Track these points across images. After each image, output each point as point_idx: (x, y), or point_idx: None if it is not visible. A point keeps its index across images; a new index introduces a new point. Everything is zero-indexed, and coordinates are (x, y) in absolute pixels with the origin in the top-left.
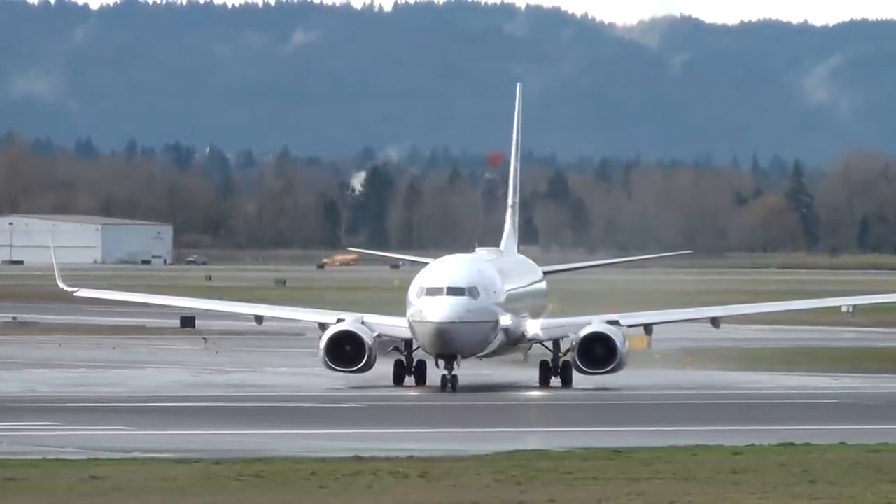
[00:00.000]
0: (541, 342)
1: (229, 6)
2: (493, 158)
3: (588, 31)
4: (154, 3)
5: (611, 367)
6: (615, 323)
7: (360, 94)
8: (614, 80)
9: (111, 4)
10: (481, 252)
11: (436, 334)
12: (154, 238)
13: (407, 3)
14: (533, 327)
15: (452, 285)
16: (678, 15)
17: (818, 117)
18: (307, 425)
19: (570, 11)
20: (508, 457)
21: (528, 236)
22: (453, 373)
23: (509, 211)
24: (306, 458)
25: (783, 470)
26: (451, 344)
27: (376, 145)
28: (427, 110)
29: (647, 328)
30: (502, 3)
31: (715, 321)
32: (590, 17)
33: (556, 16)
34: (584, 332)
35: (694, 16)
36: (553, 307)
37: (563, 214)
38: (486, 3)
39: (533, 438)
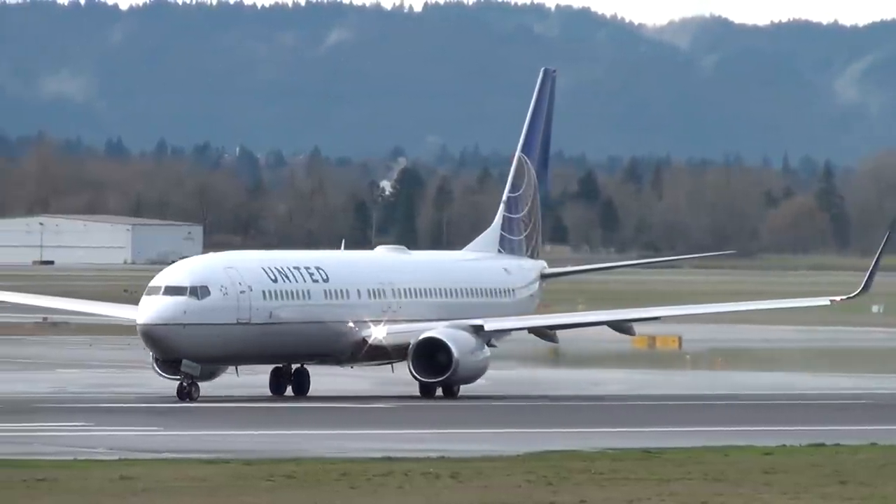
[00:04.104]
0: (385, 348)
1: (259, 6)
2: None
3: (618, 31)
4: (184, 3)
5: (447, 375)
6: (479, 328)
7: (391, 95)
8: (644, 80)
9: (141, 5)
10: (380, 250)
11: (143, 337)
12: (184, 238)
13: (437, 3)
14: (378, 332)
15: (172, 284)
16: (708, 15)
17: (848, 117)
18: (338, 426)
19: (600, 12)
20: (539, 457)
21: (558, 236)
22: (191, 380)
23: (501, 206)
24: (337, 458)
25: (814, 470)
26: (163, 348)
27: (406, 145)
28: (457, 110)
29: (538, 332)
30: (532, 4)
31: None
32: (620, 17)
33: (587, 16)
34: (420, 338)
35: (724, 16)
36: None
37: (592, 214)
38: (516, 4)
39: (564, 439)
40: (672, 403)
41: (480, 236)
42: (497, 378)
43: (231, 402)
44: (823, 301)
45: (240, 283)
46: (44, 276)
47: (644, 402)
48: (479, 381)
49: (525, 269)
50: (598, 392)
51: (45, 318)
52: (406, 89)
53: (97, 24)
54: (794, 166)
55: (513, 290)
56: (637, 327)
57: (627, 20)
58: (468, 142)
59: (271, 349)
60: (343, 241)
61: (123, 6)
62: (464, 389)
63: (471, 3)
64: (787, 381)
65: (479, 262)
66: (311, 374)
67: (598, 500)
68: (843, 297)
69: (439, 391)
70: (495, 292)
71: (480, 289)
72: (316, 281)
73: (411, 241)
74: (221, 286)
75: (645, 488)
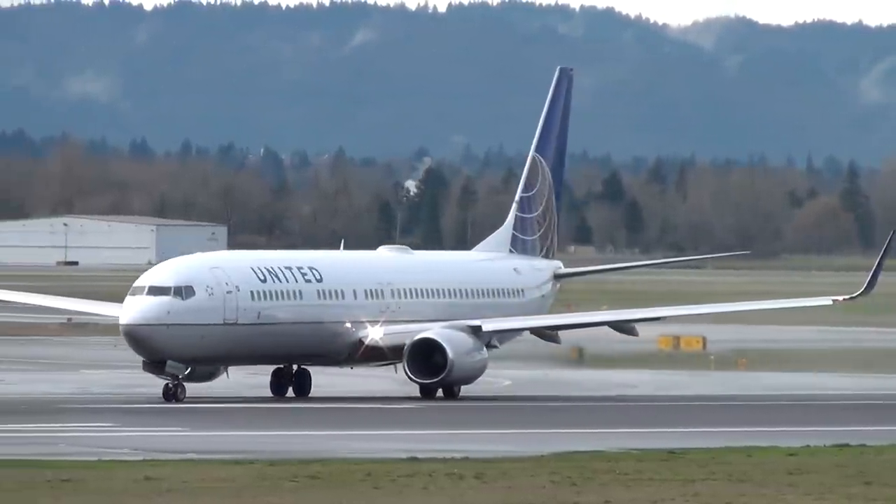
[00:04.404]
0: (382, 349)
1: (283, 7)
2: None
3: (643, 31)
4: (208, 3)
5: (441, 376)
6: (477, 328)
7: (415, 95)
8: (669, 80)
9: (165, 5)
10: (382, 250)
11: (126, 338)
12: (209, 239)
13: (461, 3)
14: (374, 333)
15: (156, 284)
16: (733, 16)
17: (872, 117)
18: (363, 426)
19: (624, 12)
20: (564, 458)
21: (583, 237)
22: (176, 381)
23: (514, 206)
24: (362, 459)
25: (838, 471)
26: (146, 349)
27: (431, 146)
28: (481, 111)
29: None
30: (557, 4)
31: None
32: (644, 17)
33: (611, 16)
34: (415, 339)
35: (748, 16)
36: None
37: (617, 215)
38: (540, 4)
39: (588, 439)
40: (696, 404)
41: (491, 236)
42: (521, 378)
43: (239, 403)
44: (826, 301)
45: (226, 284)
46: (67, 277)
47: (668, 402)
48: (505, 382)
49: (537, 270)
50: (623, 393)
51: (69, 319)
52: (430, 90)
53: (121, 24)
54: (819, 166)
55: (522, 291)
56: (660, 328)
57: (652, 20)
58: (492, 142)
59: (261, 350)
60: (342, 241)
61: (148, 6)
62: (488, 390)
63: (495, 3)
64: (812, 382)
65: (488, 262)
66: (312, 375)
67: (623, 501)
68: (846, 296)
69: (440, 392)
70: (504, 293)
71: (487, 289)
72: (309, 281)
73: (436, 241)
74: (207, 286)
75: (669, 489)
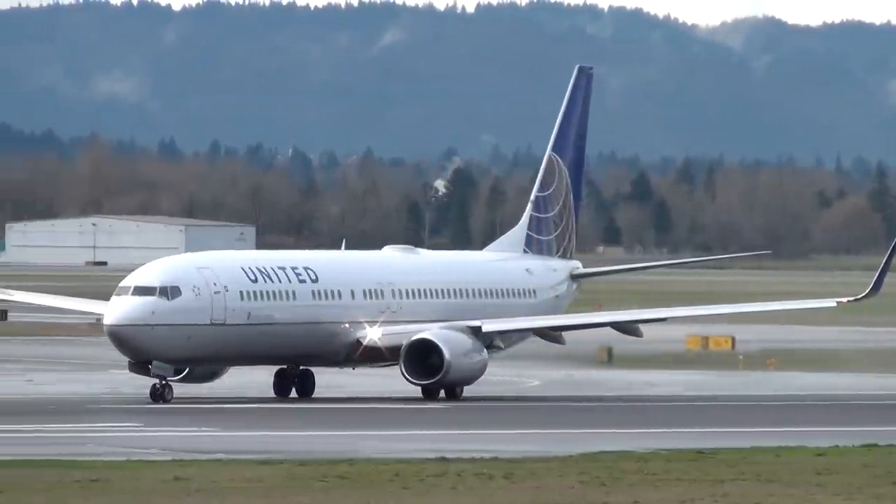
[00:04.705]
0: (380, 349)
1: (312, 7)
2: None
3: (671, 32)
4: (237, 3)
5: (438, 377)
6: (477, 329)
7: (443, 95)
8: (697, 81)
9: (194, 5)
10: (387, 250)
11: (110, 338)
12: (237, 239)
13: (490, 4)
14: (373, 333)
15: (141, 284)
16: (761, 16)
17: None
18: (391, 426)
19: (653, 13)
20: (593, 458)
21: (612, 237)
22: (164, 381)
23: (529, 206)
24: (390, 459)
25: (867, 471)
26: (131, 349)
27: (459, 146)
28: (510, 111)
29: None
30: (585, 4)
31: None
32: (672, 17)
33: (639, 17)
34: (411, 339)
35: (777, 17)
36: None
37: (646, 215)
38: (568, 4)
39: (617, 440)
40: (725, 404)
41: (504, 236)
42: (549, 379)
43: (260, 404)
44: (830, 303)
45: (214, 284)
46: (96, 277)
47: (697, 402)
48: (533, 382)
49: (552, 270)
50: (651, 393)
51: (97, 320)
52: (459, 90)
53: (150, 24)
54: (847, 167)
55: (534, 291)
56: (688, 328)
57: (680, 21)
58: (521, 142)
59: (252, 351)
60: (343, 241)
61: (176, 7)
62: (515, 390)
63: (523, 3)
64: (840, 382)
65: (498, 262)
66: (315, 375)
67: (652, 501)
68: (851, 298)
69: (442, 393)
70: (514, 293)
71: (497, 289)
72: (303, 281)
73: (464, 241)
74: (194, 286)
75: (698, 489)
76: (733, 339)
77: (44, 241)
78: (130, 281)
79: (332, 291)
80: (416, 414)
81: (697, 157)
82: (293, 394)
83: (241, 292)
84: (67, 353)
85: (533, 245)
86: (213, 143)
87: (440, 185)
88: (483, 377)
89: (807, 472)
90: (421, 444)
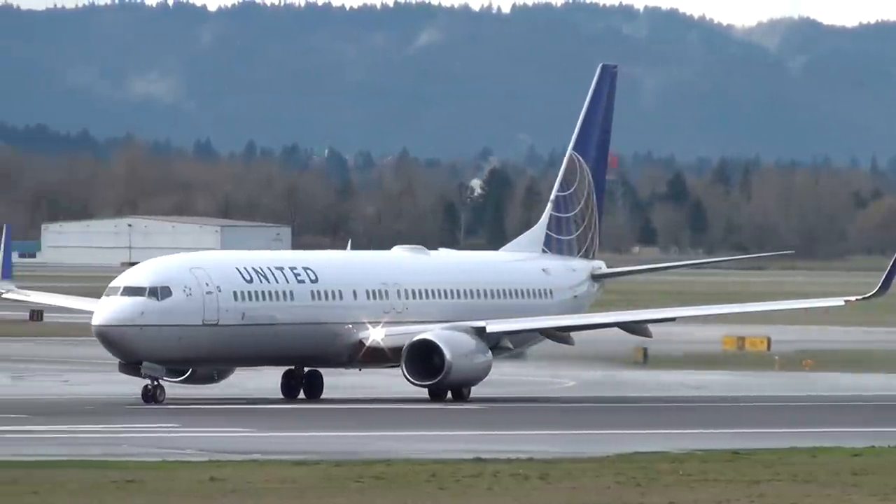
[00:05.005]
0: (384, 350)
1: (347, 8)
2: (612, 160)
3: (707, 32)
4: (272, 4)
5: (439, 378)
6: (481, 329)
7: (479, 96)
8: (733, 81)
9: (230, 6)
10: (396, 250)
11: (99, 338)
12: (273, 240)
13: (525, 4)
14: (376, 334)
15: (131, 285)
16: (797, 17)
17: None
18: (427, 427)
19: (688, 13)
20: (628, 458)
21: (647, 237)
22: (156, 382)
23: (549, 205)
24: (426, 459)
25: None
26: (120, 350)
27: (495, 147)
28: (545, 111)
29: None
30: (621, 5)
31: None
32: (708, 18)
33: (675, 17)
34: (412, 340)
35: (813, 17)
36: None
37: (681, 215)
38: (604, 5)
39: (652, 440)
40: (760, 405)
41: (522, 236)
42: (585, 379)
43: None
44: (838, 302)
45: (206, 284)
46: None
47: (733, 403)
48: (568, 383)
49: (571, 270)
50: (687, 393)
51: None
52: (494, 90)
53: (185, 25)
54: (883, 167)
55: (551, 292)
56: (725, 328)
57: (716, 21)
58: (557, 143)
59: (248, 352)
60: (349, 241)
61: (212, 7)
62: (551, 390)
63: (559, 4)
64: (877, 383)
65: (514, 262)
66: (324, 376)
67: (688, 502)
68: (859, 297)
69: (449, 395)
70: (529, 293)
71: (510, 290)
72: (302, 281)
73: (500, 241)
74: (185, 287)
75: (734, 490)
76: (769, 340)
77: (79, 241)
78: (120, 281)
79: (333, 292)
80: (451, 414)
81: (733, 157)
82: (301, 395)
83: (234, 293)
84: (103, 354)
85: (552, 245)
86: (248, 144)
87: (476, 184)
88: (515, 378)
89: (843, 472)
90: (456, 444)
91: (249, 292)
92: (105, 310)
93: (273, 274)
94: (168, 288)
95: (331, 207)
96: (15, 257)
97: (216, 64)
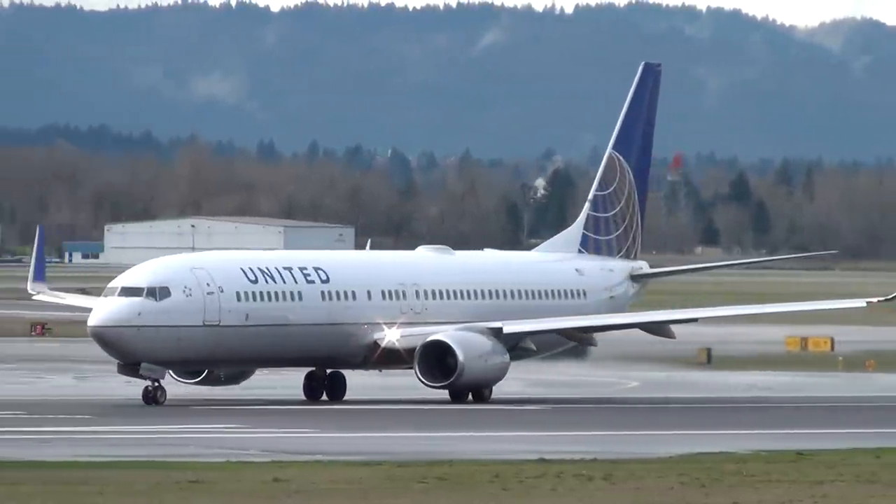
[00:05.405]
0: (399, 351)
1: (410, 8)
2: (675, 161)
3: (770, 33)
4: (335, 4)
5: (451, 380)
6: (498, 330)
7: (542, 96)
8: (796, 81)
9: (293, 6)
10: (421, 250)
11: (94, 339)
12: (336, 240)
13: (588, 5)
14: (391, 335)
15: (128, 285)
16: (860, 17)
17: None
18: (491, 428)
19: (751, 14)
20: (692, 459)
21: (710, 238)
22: (157, 383)
23: (587, 205)
24: (490, 460)
25: None
26: (117, 350)
27: (557, 147)
28: (608, 112)
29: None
30: (683, 5)
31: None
32: (771, 19)
33: (738, 18)
34: (425, 341)
35: (875, 18)
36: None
37: (744, 216)
38: (667, 5)
39: (716, 441)
40: (824, 405)
41: (558, 236)
42: (648, 380)
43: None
44: (860, 303)
45: (208, 284)
46: None
47: (796, 403)
48: (632, 384)
49: (607, 270)
50: (750, 394)
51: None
52: (557, 91)
53: (249, 25)
54: None
55: (584, 292)
56: (788, 329)
57: (779, 22)
58: None
59: (252, 353)
60: (369, 241)
61: (275, 8)
62: (614, 391)
63: (622, 4)
64: None
65: (546, 262)
66: (346, 378)
67: (751, 502)
68: (881, 298)
69: (469, 396)
70: (560, 294)
71: (539, 290)
72: (312, 282)
73: None
74: (185, 287)
75: (797, 490)
76: (832, 340)
77: (142, 242)
78: (118, 282)
79: (345, 292)
80: (513, 415)
81: (796, 158)
82: (324, 397)
83: (237, 293)
84: None
85: (589, 245)
86: (311, 145)
87: (540, 184)
88: (578, 379)
89: None
90: (519, 445)
91: (254, 293)
92: (102, 310)
93: (280, 274)
94: (167, 288)
95: (394, 208)
96: (78, 258)
97: (279, 64)
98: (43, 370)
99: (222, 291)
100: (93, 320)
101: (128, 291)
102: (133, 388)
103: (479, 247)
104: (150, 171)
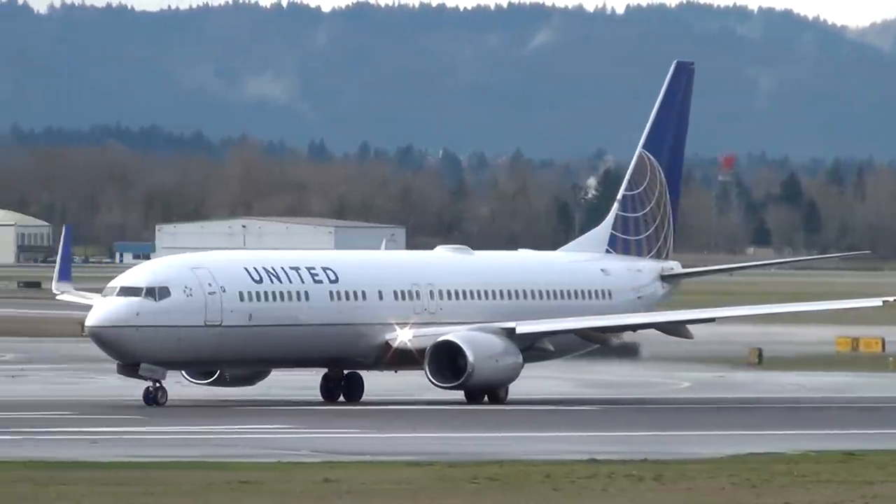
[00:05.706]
0: (412, 352)
1: (461, 9)
2: (726, 160)
3: (821, 32)
4: (386, 4)
5: (461, 380)
6: (511, 331)
7: (592, 96)
8: (847, 82)
9: (344, 7)
10: (439, 250)
11: (92, 339)
12: (388, 240)
13: (639, 5)
14: (403, 335)
15: (128, 285)
16: None
17: None
18: (542, 428)
19: (802, 13)
20: (742, 459)
21: (761, 238)
22: (157, 384)
23: (615, 205)
24: (541, 460)
25: None
26: (116, 351)
27: (608, 147)
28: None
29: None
30: (735, 5)
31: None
32: (822, 18)
33: (789, 17)
34: (435, 342)
35: None
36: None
37: (795, 216)
38: (718, 6)
39: (766, 441)
40: (874, 406)
41: (584, 236)
42: (699, 380)
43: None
44: (876, 302)
45: (209, 284)
46: None
47: (846, 404)
48: (683, 384)
49: (635, 271)
50: (801, 394)
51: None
52: (608, 91)
53: (300, 25)
54: None
55: (609, 292)
56: (838, 329)
57: (830, 22)
58: None
59: (255, 353)
60: (384, 241)
61: (326, 8)
62: (666, 391)
63: (673, 4)
64: None
65: (570, 262)
66: (364, 379)
67: (802, 503)
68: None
69: (485, 397)
70: (584, 294)
71: (561, 291)
72: (320, 282)
73: None
74: (185, 287)
75: (848, 490)
76: (883, 341)
77: (193, 242)
78: (117, 282)
79: (355, 292)
80: (564, 415)
81: (847, 158)
82: (341, 398)
83: (240, 293)
84: None
85: (618, 245)
86: (362, 145)
87: (591, 184)
88: (629, 379)
89: None
90: (570, 445)
91: (258, 293)
92: (100, 310)
93: (287, 274)
94: (166, 288)
95: (445, 208)
96: (129, 258)
97: (330, 64)
98: (93, 371)
99: (224, 291)
100: (90, 320)
101: (126, 291)
102: (183, 388)
103: (531, 247)
104: (201, 171)
